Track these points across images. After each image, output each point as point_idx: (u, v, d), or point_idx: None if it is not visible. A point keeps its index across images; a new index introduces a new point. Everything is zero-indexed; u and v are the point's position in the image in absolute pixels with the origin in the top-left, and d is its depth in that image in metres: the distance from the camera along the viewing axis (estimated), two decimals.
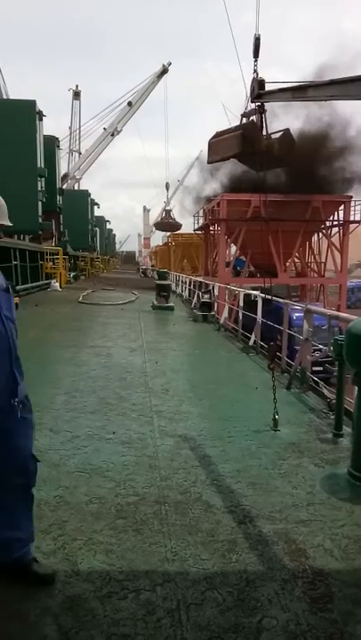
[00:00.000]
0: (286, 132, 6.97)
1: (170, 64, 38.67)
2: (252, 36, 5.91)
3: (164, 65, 38.43)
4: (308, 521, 3.16)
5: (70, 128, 52.96)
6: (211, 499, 3.40)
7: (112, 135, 39.04)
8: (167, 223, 53.72)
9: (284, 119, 21.78)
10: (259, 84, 5.35)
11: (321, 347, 7.42)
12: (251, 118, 6.34)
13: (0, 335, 2.33)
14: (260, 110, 5.64)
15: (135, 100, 38.03)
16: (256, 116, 5.94)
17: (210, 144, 7.43)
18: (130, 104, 38.21)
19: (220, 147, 7.09)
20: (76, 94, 54.93)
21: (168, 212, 55.10)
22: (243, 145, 6.39)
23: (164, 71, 38.65)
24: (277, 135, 7.22)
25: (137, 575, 2.57)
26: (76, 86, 55.58)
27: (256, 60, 5.75)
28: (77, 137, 49.95)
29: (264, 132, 5.95)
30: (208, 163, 8.36)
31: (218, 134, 7.20)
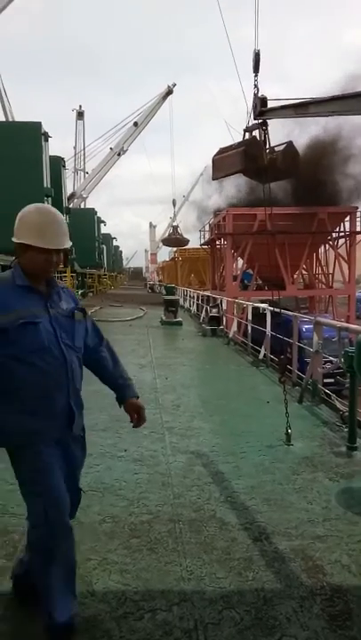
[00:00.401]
0: (289, 144, 7.06)
1: (175, 85, 39.58)
2: (252, 50, 6.03)
3: (168, 86, 39.43)
4: (325, 537, 3.12)
5: (75, 148, 53.89)
6: (225, 516, 3.38)
7: (118, 155, 39.65)
8: (175, 239, 54.26)
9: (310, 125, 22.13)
10: (261, 101, 5.43)
11: (332, 359, 7.39)
12: (253, 134, 6.43)
13: (57, 365, 2.13)
14: (263, 127, 5.71)
15: (141, 120, 38.75)
16: (258, 131, 6.03)
17: (214, 161, 7.54)
18: (136, 124, 38.92)
19: (223, 163, 7.20)
20: (80, 114, 55.97)
21: (175, 227, 55.62)
22: (245, 161, 6.50)
23: (169, 92, 39.56)
24: (280, 148, 7.30)
25: (153, 595, 2.55)
26: (80, 106, 56.67)
27: (256, 75, 5.84)
28: (82, 156, 50.83)
29: (267, 146, 6.03)
30: (213, 179, 8.49)
31: (221, 151, 7.30)
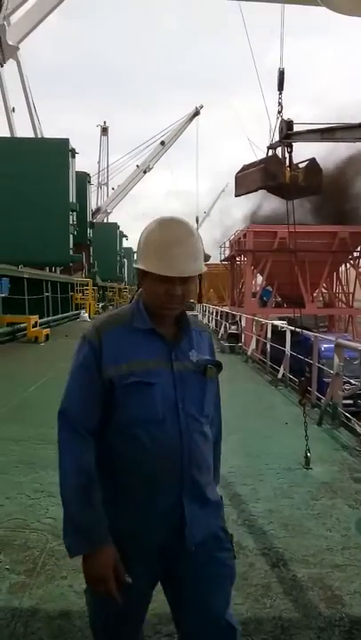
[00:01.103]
0: (312, 161, 7.04)
1: (202, 107, 41.23)
2: (277, 71, 6.11)
3: (196, 107, 41.04)
4: (344, 566, 3.08)
5: (99, 163, 55.09)
6: (243, 540, 3.36)
7: (144, 172, 40.70)
8: None
9: None
10: (287, 124, 5.50)
11: (351, 381, 7.32)
12: (274, 152, 6.47)
13: (169, 444, 1.52)
14: (288, 148, 5.77)
15: (168, 139, 40.01)
16: (280, 148, 6.09)
17: (236, 178, 7.60)
18: (163, 143, 40.12)
19: (245, 180, 7.26)
20: (104, 130, 57.37)
21: None
22: (265, 179, 6.55)
23: (197, 113, 41.07)
24: (303, 164, 7.34)
25: (170, 619, 2.54)
26: (104, 122, 58.20)
27: (281, 94, 5.91)
28: (106, 171, 51.84)
29: (289, 164, 6.07)
30: (235, 196, 8.50)
31: (244, 168, 7.37)
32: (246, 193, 8.07)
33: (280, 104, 5.89)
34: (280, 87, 5.96)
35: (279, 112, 5.87)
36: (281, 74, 5.96)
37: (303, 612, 2.64)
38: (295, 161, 6.49)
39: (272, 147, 6.49)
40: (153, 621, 2.52)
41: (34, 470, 4.53)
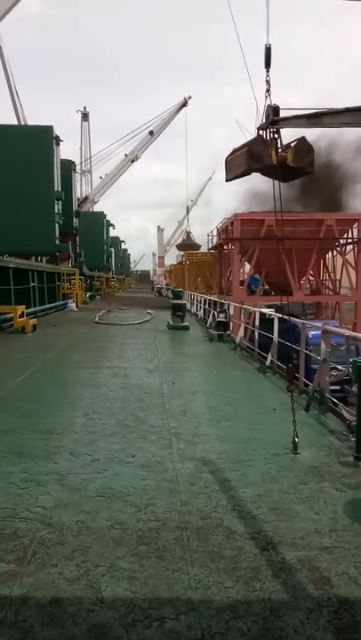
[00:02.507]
0: (301, 140, 6.67)
1: (190, 97, 41.35)
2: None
3: (185, 98, 41.11)
4: (332, 548, 3.13)
5: (81, 150, 54.44)
6: (232, 524, 3.39)
7: (132, 161, 40.51)
8: (188, 244, 55.59)
9: None
10: (273, 110, 5.43)
11: (339, 367, 7.38)
12: (259, 133, 6.21)
13: None
14: (275, 136, 5.69)
15: (156, 129, 39.92)
16: (269, 129, 5.87)
17: (226, 162, 7.31)
18: (151, 133, 40.04)
19: (233, 164, 7.01)
20: (85, 115, 56.43)
21: (188, 233, 56.95)
22: (249, 161, 6.22)
23: (185, 104, 41.17)
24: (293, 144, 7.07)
25: (161, 603, 2.57)
26: (84, 108, 57.16)
27: (268, 71, 5.70)
28: (89, 158, 51.25)
29: (278, 145, 5.87)
30: (226, 181, 8.10)
31: (234, 151, 7.13)
32: (235, 178, 7.78)
33: (268, 82, 5.70)
34: (267, 64, 5.75)
35: (267, 91, 5.70)
36: (267, 50, 5.74)
37: (292, 594, 2.68)
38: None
39: (262, 128, 6.27)
40: (143, 606, 2.54)
41: (23, 460, 4.51)
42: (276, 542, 3.18)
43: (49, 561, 2.92)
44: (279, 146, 5.94)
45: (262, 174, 7.05)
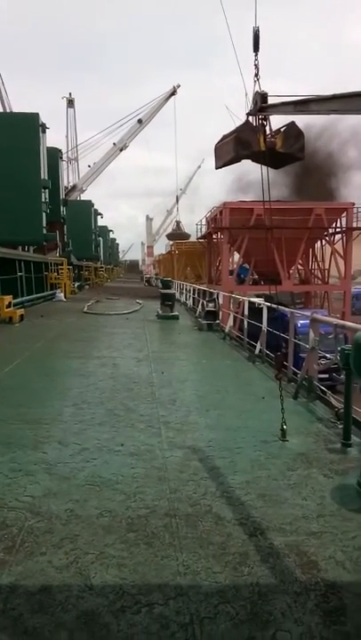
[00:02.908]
0: (290, 125, 6.29)
1: (179, 86, 41.15)
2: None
3: (174, 87, 40.84)
4: (319, 533, 3.16)
5: (67, 137, 53.83)
6: (221, 511, 3.41)
7: (121, 150, 40.20)
8: (178, 234, 55.58)
9: None
10: (261, 97, 5.37)
11: (327, 355, 7.43)
12: (247, 119, 6.07)
13: None
14: (263, 124, 5.62)
15: (145, 118, 39.61)
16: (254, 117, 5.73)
17: (215, 149, 7.16)
18: (140, 121, 39.78)
19: (221, 151, 6.85)
20: (70, 102, 55.62)
21: (178, 222, 57.01)
22: (237, 148, 6.08)
23: (173, 92, 40.93)
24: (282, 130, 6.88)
25: (150, 589, 2.59)
26: (70, 94, 56.32)
27: (257, 55, 5.56)
28: (75, 146, 50.71)
29: (267, 131, 5.73)
30: (215, 168, 7.86)
31: (223, 137, 6.98)
32: (224, 165, 7.60)
33: (256, 66, 5.58)
34: (255, 48, 5.62)
35: (256, 75, 5.58)
36: (256, 33, 5.61)
37: (280, 578, 2.71)
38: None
39: (251, 114, 6.14)
40: (132, 592, 2.55)
41: (11, 450, 4.49)
42: (265, 528, 3.21)
43: (38, 549, 2.92)
44: (268, 132, 5.81)
45: (253, 161, 6.83)
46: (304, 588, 2.62)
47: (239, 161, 6.61)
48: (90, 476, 3.95)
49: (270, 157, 5.77)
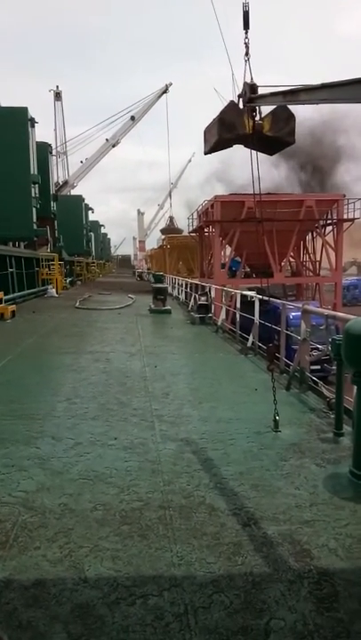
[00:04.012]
0: (279, 107, 5.84)
1: (171, 84, 41.26)
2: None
3: (166, 85, 41.04)
4: (312, 521, 3.19)
5: (56, 131, 53.42)
6: (215, 502, 3.43)
7: (113, 146, 40.09)
8: (171, 229, 55.74)
9: None
10: (251, 87, 5.30)
11: (319, 346, 7.46)
12: (232, 101, 5.79)
13: None
14: (252, 115, 5.53)
15: (138, 114, 39.60)
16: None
17: (204, 132, 6.81)
18: (133, 118, 39.75)
19: (210, 135, 6.53)
20: (57, 95, 55.10)
21: (171, 218, 57.18)
22: (221, 130, 5.67)
23: (165, 90, 41.11)
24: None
25: (144, 581, 2.60)
26: (57, 87, 55.77)
27: (247, 33, 5.33)
28: (64, 143, 50.29)
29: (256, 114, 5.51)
30: (204, 153, 7.43)
31: (213, 121, 6.70)
32: (211, 149, 7.19)
33: (246, 45, 5.38)
34: (245, 25, 5.36)
35: (246, 54, 5.37)
36: (245, 11, 5.41)
37: (273, 567, 2.72)
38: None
39: (242, 97, 5.90)
40: (126, 584, 2.56)
41: (4, 446, 4.47)
42: (258, 518, 3.22)
43: (32, 544, 2.92)
44: (252, 118, 5.53)
45: (244, 146, 6.44)
46: (297, 576, 2.64)
47: (228, 145, 6.23)
48: (83, 470, 3.95)
49: (259, 141, 5.48)
